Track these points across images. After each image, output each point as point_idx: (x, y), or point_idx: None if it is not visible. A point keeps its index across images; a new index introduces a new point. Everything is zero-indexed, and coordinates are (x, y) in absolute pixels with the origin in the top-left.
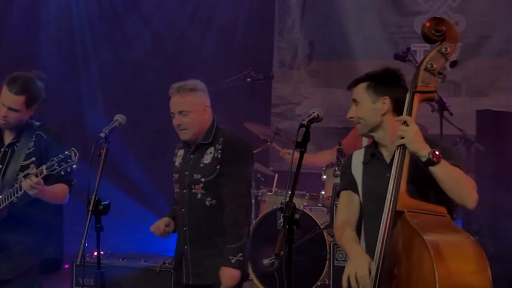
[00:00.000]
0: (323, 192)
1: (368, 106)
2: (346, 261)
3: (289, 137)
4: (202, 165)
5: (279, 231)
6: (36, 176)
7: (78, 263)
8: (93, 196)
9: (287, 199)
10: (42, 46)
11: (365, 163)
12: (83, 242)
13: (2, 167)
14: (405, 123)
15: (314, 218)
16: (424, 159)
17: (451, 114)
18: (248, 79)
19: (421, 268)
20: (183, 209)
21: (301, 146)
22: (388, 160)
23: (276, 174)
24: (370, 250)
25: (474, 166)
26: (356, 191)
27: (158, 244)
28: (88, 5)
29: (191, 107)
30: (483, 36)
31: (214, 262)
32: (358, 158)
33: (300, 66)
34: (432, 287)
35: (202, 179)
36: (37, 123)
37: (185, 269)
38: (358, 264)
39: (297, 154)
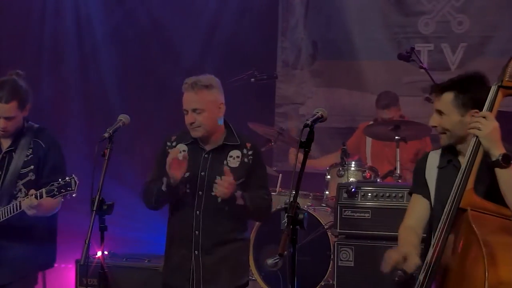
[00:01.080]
0: (327, 192)
1: (455, 119)
2: (350, 261)
3: (292, 137)
4: (227, 167)
5: (283, 231)
6: (36, 197)
7: (81, 263)
8: (97, 196)
9: (291, 199)
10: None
11: (440, 168)
12: (87, 242)
13: (1, 174)
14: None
15: (318, 218)
16: (494, 158)
17: None
18: (252, 79)
19: (473, 270)
20: (197, 212)
21: (305, 146)
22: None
23: (280, 174)
24: None
25: None
26: (427, 196)
27: (161, 245)
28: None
29: (205, 105)
30: (487, 36)
31: (225, 269)
32: (433, 161)
33: (303, 66)
34: None
35: None
36: (35, 126)
37: (196, 275)
38: (409, 248)
39: (301, 155)
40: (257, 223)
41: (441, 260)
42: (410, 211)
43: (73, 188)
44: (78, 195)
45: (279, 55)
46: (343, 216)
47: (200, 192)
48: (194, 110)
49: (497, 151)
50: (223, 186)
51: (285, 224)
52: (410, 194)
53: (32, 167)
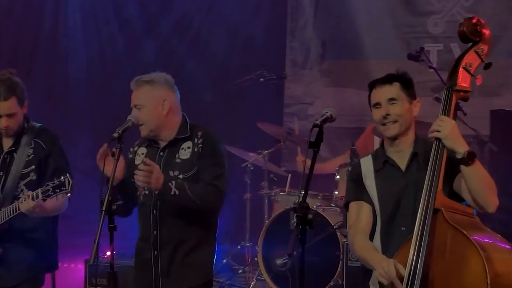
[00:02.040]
0: (336, 192)
1: (406, 106)
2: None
3: (301, 137)
4: (178, 160)
5: (292, 231)
6: (33, 199)
7: (91, 263)
8: (106, 196)
9: (300, 199)
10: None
11: (377, 170)
12: (96, 242)
13: (3, 174)
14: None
15: (327, 218)
16: (459, 156)
17: (465, 114)
18: (261, 79)
19: (465, 268)
20: (154, 211)
21: (314, 146)
22: (403, 167)
23: (289, 174)
24: (387, 253)
25: (487, 166)
26: (368, 201)
27: None
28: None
29: (144, 101)
30: (496, 36)
31: (187, 267)
32: (367, 166)
33: (312, 66)
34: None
35: (180, 176)
36: (37, 126)
37: (154, 275)
38: (388, 263)
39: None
40: (266, 223)
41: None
42: (356, 219)
43: (67, 188)
44: (88, 195)
45: (288, 55)
46: None
47: (157, 192)
48: (135, 106)
49: (462, 148)
50: (140, 175)
51: (294, 224)
52: (346, 205)
53: (33, 167)
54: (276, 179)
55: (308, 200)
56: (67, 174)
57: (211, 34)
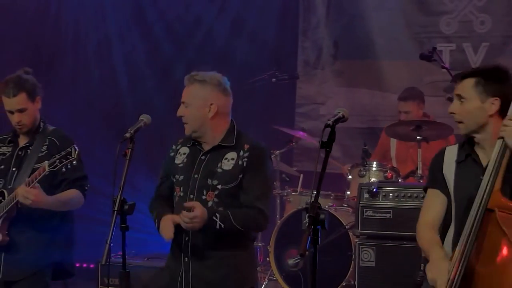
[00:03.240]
0: (348, 192)
1: (475, 104)
2: (372, 261)
3: (313, 137)
4: (220, 170)
5: (304, 231)
6: (27, 184)
7: (103, 263)
8: (118, 196)
9: (312, 199)
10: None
11: (459, 162)
12: (108, 242)
13: (16, 169)
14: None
15: (339, 219)
16: None
17: None
18: (273, 79)
19: (506, 271)
20: None
21: (326, 146)
22: (484, 163)
23: (301, 174)
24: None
25: None
26: (444, 191)
27: None
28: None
29: (191, 100)
30: (509, 36)
31: (216, 276)
32: (451, 156)
33: (324, 66)
34: None
35: (219, 186)
36: (51, 128)
37: (185, 282)
38: (439, 271)
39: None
40: (278, 223)
41: (467, 262)
42: (428, 207)
43: (73, 156)
44: (100, 195)
45: (300, 55)
46: (364, 217)
47: (192, 196)
48: (182, 103)
49: None
50: (185, 221)
51: (306, 224)
52: (425, 189)
53: (46, 162)
54: (288, 179)
55: (320, 200)
56: (74, 144)
57: (223, 34)
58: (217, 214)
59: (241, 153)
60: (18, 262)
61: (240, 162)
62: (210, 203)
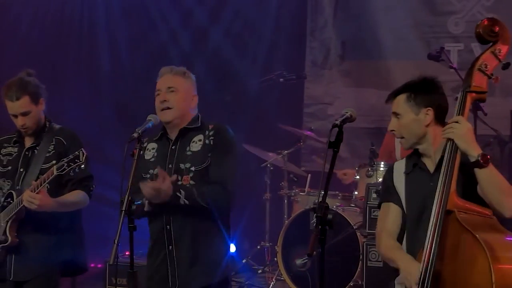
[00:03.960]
0: (356, 193)
1: (410, 118)
2: (379, 261)
3: (321, 137)
4: (189, 153)
5: (312, 231)
6: (32, 190)
7: (111, 263)
8: (126, 196)
9: (320, 199)
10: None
11: (407, 173)
12: (116, 242)
13: (23, 170)
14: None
15: (347, 219)
16: (473, 159)
17: (485, 114)
18: (281, 79)
19: (473, 268)
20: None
21: (334, 146)
22: (431, 170)
23: (309, 174)
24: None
25: (508, 166)
26: (398, 203)
27: None
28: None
29: (180, 87)
30: None
31: (203, 263)
32: (399, 169)
33: (332, 66)
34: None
35: (192, 168)
36: (57, 126)
37: (170, 271)
38: (413, 273)
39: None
40: (286, 223)
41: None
42: (384, 220)
43: (81, 160)
44: (108, 195)
45: (307, 55)
46: (372, 217)
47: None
48: (169, 88)
49: (475, 151)
50: (147, 191)
51: (314, 225)
52: (379, 206)
53: (53, 162)
54: (295, 179)
55: (328, 200)
56: (82, 148)
57: (230, 34)
58: (182, 190)
59: (207, 133)
60: (27, 263)
61: (207, 142)
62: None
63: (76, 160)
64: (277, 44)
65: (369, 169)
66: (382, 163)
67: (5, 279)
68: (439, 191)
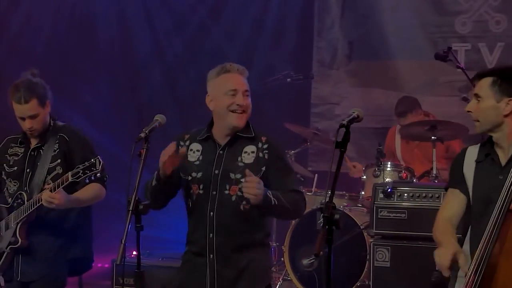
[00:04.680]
0: (363, 193)
1: (490, 104)
2: (387, 261)
3: (328, 137)
4: (241, 164)
5: (319, 231)
6: (51, 190)
7: (118, 263)
8: (133, 196)
9: (327, 199)
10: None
11: (478, 162)
12: (123, 241)
13: (30, 171)
14: None
15: (354, 219)
16: None
17: None
18: (288, 79)
19: None
20: (211, 213)
21: (341, 146)
22: (503, 162)
23: (316, 175)
24: (474, 251)
25: None
26: (464, 191)
27: None
28: None
29: (245, 87)
30: None
31: (242, 274)
32: (471, 156)
33: (339, 66)
34: None
35: (242, 180)
36: (61, 124)
37: (210, 279)
38: (445, 250)
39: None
40: (293, 223)
41: (490, 260)
42: (446, 205)
43: (97, 168)
44: (115, 195)
45: (315, 55)
46: (379, 217)
47: (214, 192)
48: (245, 92)
49: None
50: (251, 187)
51: (321, 225)
52: (446, 189)
53: (59, 160)
54: (302, 179)
55: (335, 200)
56: (98, 157)
57: (237, 33)
58: (269, 191)
59: (260, 145)
60: (35, 263)
61: (261, 155)
62: (233, 198)
63: (92, 168)
64: (284, 44)
65: (376, 169)
66: (389, 163)
67: (12, 279)
68: (506, 188)
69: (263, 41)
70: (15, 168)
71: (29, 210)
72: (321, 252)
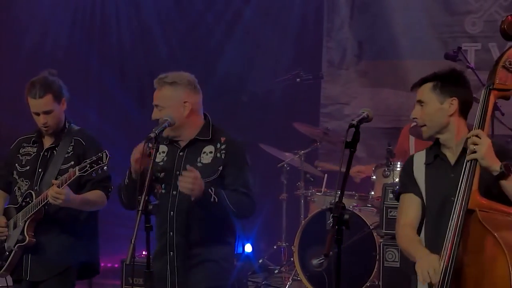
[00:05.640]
0: (372, 193)
1: (435, 106)
2: (396, 261)
3: (338, 137)
4: (200, 164)
5: (328, 231)
6: (58, 186)
7: (127, 263)
8: (143, 196)
9: (337, 199)
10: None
11: (427, 164)
12: (132, 241)
13: (42, 171)
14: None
15: (364, 219)
16: (496, 173)
17: (503, 114)
18: (298, 79)
19: (493, 267)
20: (171, 213)
21: (351, 146)
22: (452, 161)
23: (325, 174)
24: (432, 251)
25: None
26: (418, 194)
27: None
28: None
29: (164, 102)
30: None
31: (202, 271)
32: (419, 160)
33: (348, 66)
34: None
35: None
36: (77, 128)
37: (170, 278)
38: (431, 261)
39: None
40: (302, 223)
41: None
42: (402, 211)
43: (104, 161)
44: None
45: (324, 55)
46: (389, 217)
47: (174, 192)
48: (156, 106)
49: (496, 166)
50: (186, 181)
51: (331, 225)
52: (397, 197)
53: (72, 163)
54: (312, 179)
55: (344, 200)
56: (105, 151)
57: (248, 33)
58: (212, 188)
59: (218, 145)
60: (44, 263)
61: (218, 155)
62: (192, 199)
63: (99, 162)
64: (294, 44)
65: (386, 169)
66: (399, 163)
67: (21, 279)
68: (460, 190)
69: (273, 42)
70: (27, 167)
71: (36, 207)
72: (331, 252)
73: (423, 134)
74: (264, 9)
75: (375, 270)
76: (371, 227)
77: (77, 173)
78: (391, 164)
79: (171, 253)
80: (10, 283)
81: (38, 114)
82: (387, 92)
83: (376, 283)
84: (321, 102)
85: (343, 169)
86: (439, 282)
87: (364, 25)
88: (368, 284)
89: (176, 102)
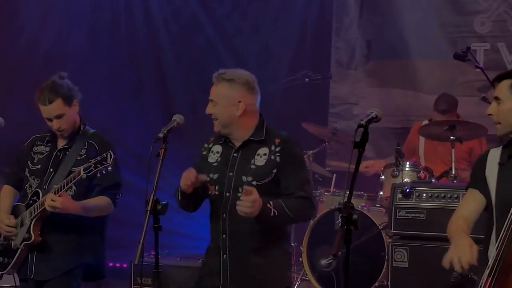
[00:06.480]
0: (381, 193)
1: (510, 106)
2: (405, 261)
3: (347, 137)
4: (253, 166)
5: (337, 231)
6: (56, 192)
7: (136, 263)
8: (151, 196)
9: (345, 199)
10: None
11: (501, 164)
12: (141, 241)
13: (53, 171)
14: None
15: (372, 219)
16: None
17: None
18: (306, 79)
19: None
20: (224, 215)
21: (359, 146)
22: None
23: (334, 174)
24: None
25: None
26: (483, 192)
27: None
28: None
29: (219, 98)
30: None
31: (255, 273)
32: (494, 158)
33: (357, 66)
34: None
35: (254, 182)
36: (91, 131)
37: (222, 280)
38: (462, 250)
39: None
40: (311, 223)
41: (505, 260)
42: (462, 203)
43: (108, 162)
44: (134, 195)
45: (333, 55)
46: (397, 217)
47: (227, 194)
48: (211, 100)
49: None
50: (244, 205)
51: (339, 225)
52: (466, 189)
53: (81, 166)
54: (321, 179)
55: (353, 200)
56: (110, 151)
57: (256, 34)
58: (271, 202)
59: (273, 147)
60: (49, 262)
61: (272, 157)
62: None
63: (103, 162)
64: (302, 44)
65: (395, 169)
66: (408, 163)
67: (27, 278)
68: None
69: (281, 42)
70: (39, 166)
71: (42, 206)
72: (339, 252)
73: (497, 132)
74: (273, 9)
75: (383, 270)
76: (379, 227)
77: (82, 173)
78: (400, 164)
79: (224, 256)
80: (18, 282)
81: (50, 120)
82: (396, 92)
83: (385, 283)
84: (330, 102)
85: (352, 169)
86: (487, 277)
87: (373, 25)
88: (376, 284)
89: (230, 100)
